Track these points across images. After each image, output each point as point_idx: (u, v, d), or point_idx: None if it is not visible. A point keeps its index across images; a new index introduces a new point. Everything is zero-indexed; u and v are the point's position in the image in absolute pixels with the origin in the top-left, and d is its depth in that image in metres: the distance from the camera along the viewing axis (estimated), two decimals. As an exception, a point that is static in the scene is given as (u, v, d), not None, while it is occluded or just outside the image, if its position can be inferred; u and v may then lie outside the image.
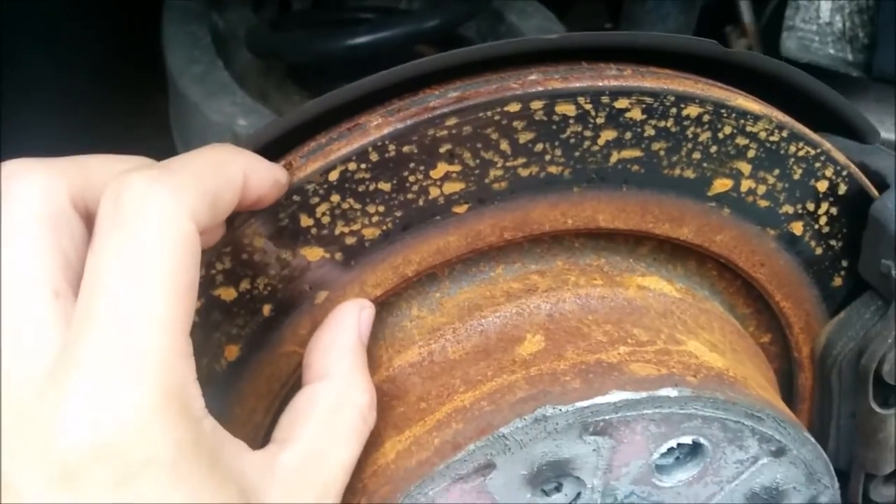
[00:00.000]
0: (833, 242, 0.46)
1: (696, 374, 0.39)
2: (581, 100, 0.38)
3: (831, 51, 0.82)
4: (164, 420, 0.28)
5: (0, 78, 0.67)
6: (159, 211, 0.30)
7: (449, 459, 0.36)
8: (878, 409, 0.47)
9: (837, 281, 0.48)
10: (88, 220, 0.32)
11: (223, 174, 0.33)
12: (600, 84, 0.38)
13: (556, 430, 0.36)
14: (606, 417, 0.37)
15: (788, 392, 0.52)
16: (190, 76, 0.68)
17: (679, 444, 0.39)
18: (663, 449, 0.38)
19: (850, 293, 0.48)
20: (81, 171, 0.32)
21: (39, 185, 0.31)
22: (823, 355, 0.49)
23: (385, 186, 0.38)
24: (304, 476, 0.35)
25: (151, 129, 0.71)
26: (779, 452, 0.40)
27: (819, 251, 0.46)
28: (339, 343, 0.39)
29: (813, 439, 0.41)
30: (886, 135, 0.86)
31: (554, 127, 0.38)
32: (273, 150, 0.39)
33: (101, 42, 0.75)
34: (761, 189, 0.43)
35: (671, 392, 0.37)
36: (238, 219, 0.38)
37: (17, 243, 0.30)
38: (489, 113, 0.37)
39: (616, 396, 0.36)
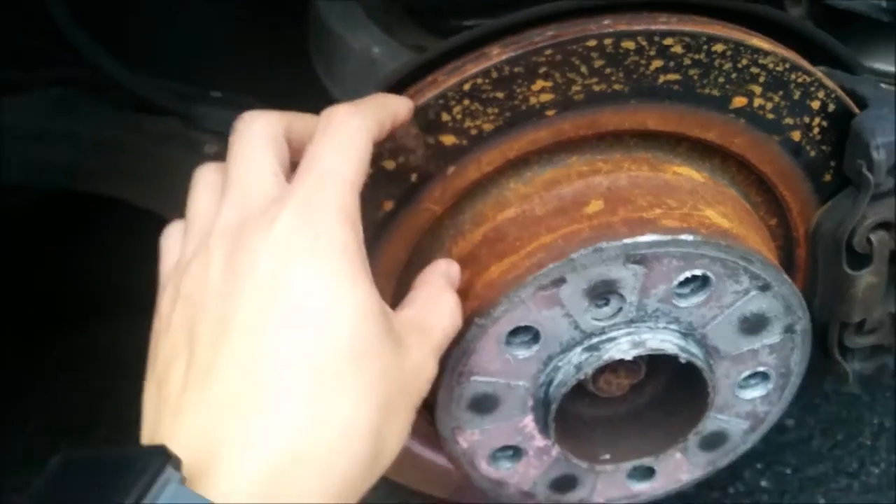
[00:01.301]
0: (824, 147, 0.62)
1: (708, 229, 0.56)
2: (639, 38, 0.55)
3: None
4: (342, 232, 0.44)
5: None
6: (353, 128, 0.48)
7: (535, 273, 0.55)
8: (849, 272, 0.63)
9: (827, 177, 0.64)
10: (290, 149, 0.50)
11: (388, 111, 0.52)
12: (653, 28, 0.55)
13: (608, 258, 0.55)
14: (642, 252, 0.55)
15: (789, 262, 0.69)
16: (334, 14, 0.85)
17: (693, 276, 0.57)
18: (681, 277, 0.56)
19: (837, 187, 0.64)
20: (287, 119, 0.50)
21: (264, 121, 0.49)
22: (814, 233, 0.66)
23: (500, 95, 0.56)
24: (419, 324, 0.50)
25: (291, 58, 0.90)
26: (764, 288, 0.58)
27: (813, 154, 0.62)
28: (437, 270, 0.57)
29: (790, 280, 0.58)
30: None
31: (619, 57, 0.55)
32: (425, 69, 0.57)
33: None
34: (769, 105, 0.59)
35: (688, 237, 0.55)
36: None
37: (252, 149, 0.48)
38: (574, 46, 0.55)
39: (650, 238, 0.54)
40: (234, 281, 0.42)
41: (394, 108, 0.53)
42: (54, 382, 1.22)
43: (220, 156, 0.84)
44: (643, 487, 0.70)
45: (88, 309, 1.30)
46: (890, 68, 0.84)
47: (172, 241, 0.51)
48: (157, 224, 0.55)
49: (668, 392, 0.68)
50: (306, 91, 0.79)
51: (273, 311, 0.40)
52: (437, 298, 0.53)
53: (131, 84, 0.82)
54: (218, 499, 0.35)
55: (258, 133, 0.48)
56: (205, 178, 0.50)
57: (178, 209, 0.87)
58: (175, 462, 0.35)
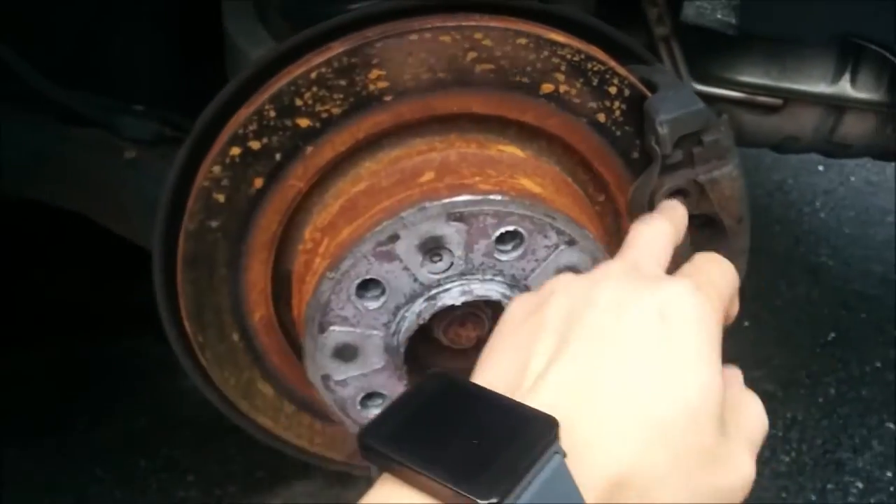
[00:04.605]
0: (627, 128, 0.73)
1: (518, 192, 0.67)
2: (453, 33, 0.67)
3: (719, 15, 1.07)
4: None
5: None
6: (725, 266, 0.54)
7: (374, 230, 0.65)
8: (656, 234, 0.74)
9: (635, 155, 0.75)
10: None
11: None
12: (464, 24, 0.66)
13: (432, 216, 0.65)
14: (460, 210, 0.65)
15: (618, 232, 0.80)
16: (239, 33, 0.97)
17: (507, 232, 0.67)
18: (498, 233, 0.67)
19: (645, 163, 0.75)
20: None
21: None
22: (630, 203, 0.77)
23: (343, 83, 0.67)
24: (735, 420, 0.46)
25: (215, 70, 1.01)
26: (571, 242, 0.68)
27: (619, 133, 0.73)
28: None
29: (593, 236, 0.69)
30: (770, 82, 1.10)
31: (440, 49, 0.67)
32: (277, 65, 0.68)
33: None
34: (573, 91, 0.71)
35: (497, 197, 0.65)
36: (260, 98, 0.67)
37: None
38: (400, 40, 0.66)
39: (465, 198, 0.65)
40: (620, 314, 0.44)
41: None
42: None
43: (138, 161, 0.95)
44: (500, 433, 0.79)
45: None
46: (753, 80, 0.97)
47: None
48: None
49: (514, 345, 0.78)
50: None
51: (633, 352, 0.42)
52: (743, 400, 0.49)
53: (59, 97, 0.93)
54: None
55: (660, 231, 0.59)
56: None
57: (99, 211, 0.98)
58: (558, 437, 0.37)
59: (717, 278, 0.49)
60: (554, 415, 0.38)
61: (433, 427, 0.39)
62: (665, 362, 0.41)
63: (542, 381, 0.41)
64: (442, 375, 0.42)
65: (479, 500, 0.34)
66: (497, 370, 0.44)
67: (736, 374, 0.50)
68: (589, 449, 0.38)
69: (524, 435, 0.36)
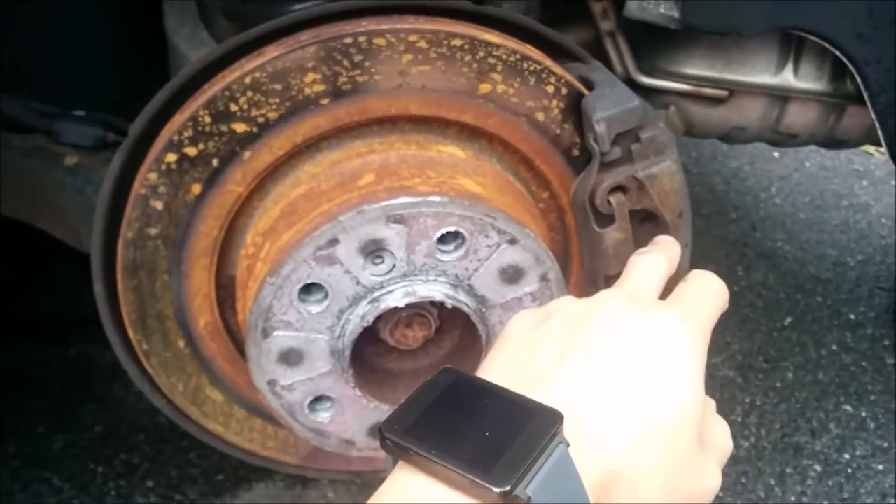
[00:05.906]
0: (567, 126, 0.74)
1: (457, 192, 0.67)
2: (388, 36, 0.66)
3: (662, 10, 1.08)
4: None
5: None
6: (717, 285, 0.56)
7: (313, 234, 0.65)
8: (597, 230, 0.75)
9: (576, 152, 0.75)
10: None
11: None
12: (398, 26, 0.66)
13: (371, 218, 0.65)
14: (399, 212, 0.65)
15: (563, 229, 0.80)
16: (180, 35, 0.96)
17: (448, 233, 0.67)
18: (438, 234, 0.67)
19: (586, 161, 0.76)
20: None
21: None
22: (573, 201, 0.77)
23: (278, 87, 0.67)
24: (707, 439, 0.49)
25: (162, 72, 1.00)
26: (512, 241, 0.69)
27: (559, 131, 0.74)
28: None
29: (534, 235, 0.69)
30: (715, 74, 1.11)
31: (373, 51, 0.67)
32: (211, 69, 0.67)
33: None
34: (511, 91, 0.71)
35: (436, 198, 0.65)
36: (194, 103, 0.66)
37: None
38: (334, 43, 0.66)
39: (404, 200, 0.65)
40: (614, 331, 0.47)
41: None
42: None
43: (80, 167, 0.94)
44: (451, 432, 0.79)
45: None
46: (699, 72, 0.98)
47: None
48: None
49: (461, 343, 0.78)
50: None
51: (632, 361, 0.46)
52: (715, 422, 0.53)
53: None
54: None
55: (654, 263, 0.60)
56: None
57: (41, 218, 0.96)
58: (562, 429, 0.40)
59: (706, 300, 0.53)
60: (562, 406, 0.42)
61: (447, 419, 0.41)
62: (652, 378, 0.45)
63: (544, 384, 0.44)
64: (452, 371, 0.44)
65: (493, 488, 0.37)
66: (500, 373, 0.47)
67: (710, 402, 0.54)
68: (586, 443, 0.42)
69: (531, 426, 0.40)
